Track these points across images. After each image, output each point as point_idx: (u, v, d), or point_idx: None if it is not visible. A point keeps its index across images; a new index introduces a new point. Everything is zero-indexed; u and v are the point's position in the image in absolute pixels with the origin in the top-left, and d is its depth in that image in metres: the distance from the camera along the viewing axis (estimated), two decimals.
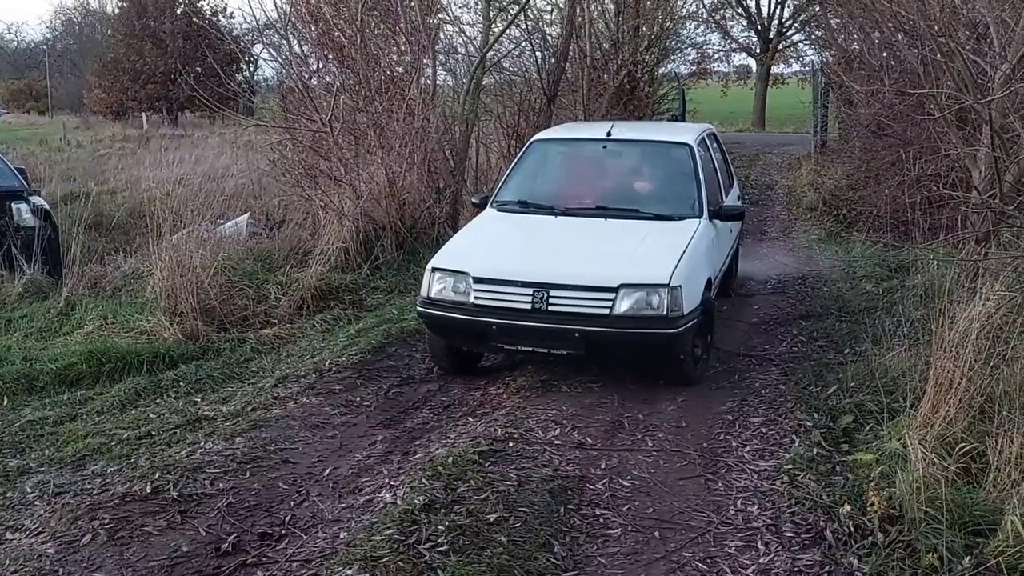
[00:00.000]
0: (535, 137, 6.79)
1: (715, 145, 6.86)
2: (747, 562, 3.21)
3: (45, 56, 51.10)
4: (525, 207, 5.89)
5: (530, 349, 4.98)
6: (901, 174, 8.03)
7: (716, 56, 32.60)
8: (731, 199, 6.65)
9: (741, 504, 3.63)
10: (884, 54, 10.21)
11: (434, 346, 5.40)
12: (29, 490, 3.86)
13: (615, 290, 4.68)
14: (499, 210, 5.96)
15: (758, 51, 31.88)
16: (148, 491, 3.75)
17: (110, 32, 42.38)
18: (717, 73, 33.96)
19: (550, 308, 4.74)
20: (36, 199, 9.13)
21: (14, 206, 8.68)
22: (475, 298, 4.92)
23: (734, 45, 32.59)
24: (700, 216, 5.52)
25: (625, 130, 6.82)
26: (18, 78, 53.28)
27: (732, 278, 7.15)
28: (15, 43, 59.70)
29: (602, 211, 5.65)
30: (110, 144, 26.62)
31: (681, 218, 5.50)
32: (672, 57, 22.36)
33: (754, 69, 33.97)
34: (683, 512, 3.59)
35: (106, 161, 20.48)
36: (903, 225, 8.20)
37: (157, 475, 3.88)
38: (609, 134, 6.25)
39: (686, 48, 26.05)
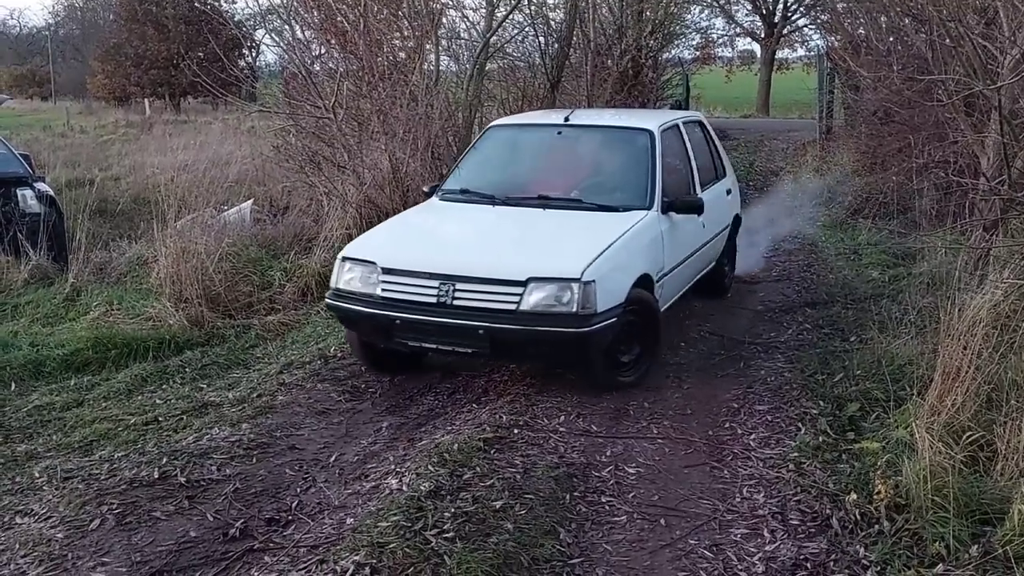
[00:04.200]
0: (493, 123, 6.52)
1: (699, 134, 6.49)
2: (753, 550, 3.21)
3: (48, 42, 50.95)
4: (468, 196, 5.56)
5: (434, 347, 4.69)
6: (908, 161, 7.98)
7: (720, 41, 32.51)
8: (714, 191, 6.24)
9: (747, 492, 3.63)
10: (891, 39, 10.15)
11: (351, 341, 5.19)
12: (37, 475, 3.88)
13: (523, 284, 4.38)
14: (442, 199, 5.69)
15: (763, 36, 31.74)
16: (156, 477, 3.76)
17: (112, 17, 42.24)
18: (721, 58, 33.85)
19: (455, 302, 4.46)
20: (41, 185, 9.13)
21: (19, 192, 8.68)
22: (382, 290, 4.66)
23: (738, 30, 32.48)
24: (650, 208, 5.13)
25: (587, 116, 6.50)
26: (21, 64, 53.15)
27: (726, 275, 6.83)
28: (18, 29, 59.53)
29: (543, 201, 5.27)
30: (113, 130, 26.60)
31: (627, 209, 5.10)
32: (676, 42, 22.24)
33: (758, 54, 33.82)
34: (688, 500, 3.60)
35: (109, 147, 20.50)
36: (910, 212, 8.18)
37: (164, 461, 3.90)
38: (567, 120, 5.89)
39: (690, 33, 25.93)
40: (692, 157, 5.96)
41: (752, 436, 4.17)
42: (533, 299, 4.36)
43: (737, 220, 6.96)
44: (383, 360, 5.11)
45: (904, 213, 8.30)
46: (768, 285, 7.14)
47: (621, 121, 6.34)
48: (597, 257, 4.49)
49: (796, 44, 32.35)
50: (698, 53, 28.77)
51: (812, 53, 26.74)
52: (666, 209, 5.22)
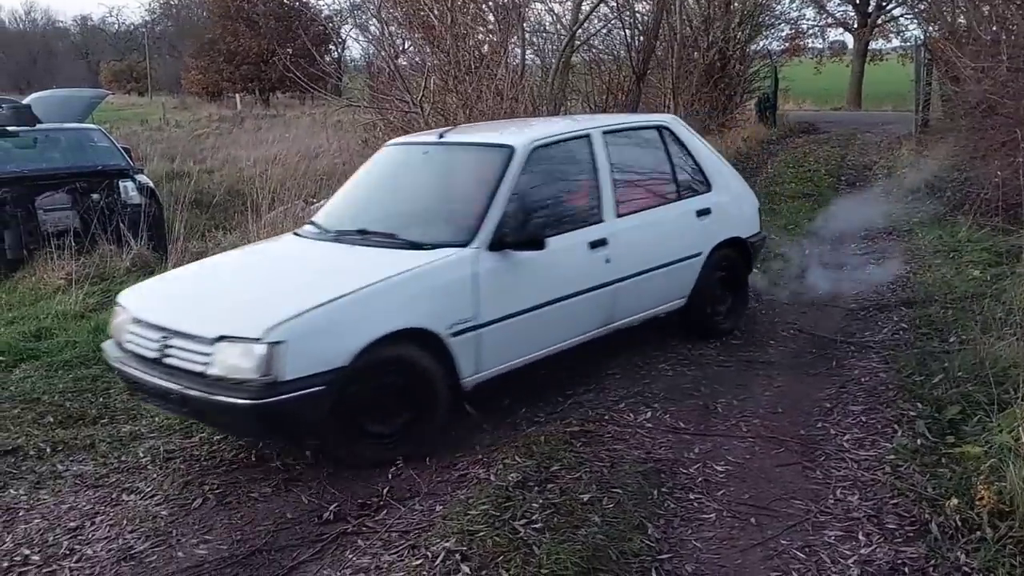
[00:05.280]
0: (388, 142, 5.70)
1: (653, 145, 5.45)
2: (848, 552, 3.13)
3: (145, 38, 53.10)
4: (307, 230, 4.92)
5: (158, 408, 4.19)
6: (1014, 155, 7.63)
7: (810, 32, 31.66)
8: (657, 215, 5.18)
9: (841, 493, 3.54)
10: (995, 28, 9.73)
11: None
12: (142, 455, 4.08)
13: (213, 342, 3.64)
14: (293, 233, 5.10)
15: (855, 26, 30.79)
16: (253, 459, 3.92)
17: (206, 14, 43.74)
18: (811, 49, 32.96)
19: (166, 360, 3.82)
20: (141, 177, 9.53)
21: (121, 184, 9.09)
22: (127, 341, 4.11)
23: (830, 20, 31.56)
24: (467, 244, 4.21)
25: (467, 132, 5.55)
26: (119, 60, 55.59)
27: (717, 314, 5.63)
28: (116, 26, 62.36)
29: (361, 236, 4.54)
30: (207, 124, 27.54)
31: (436, 246, 4.21)
32: (764, 33, 21.81)
33: (851, 45, 32.81)
34: (780, 499, 3.53)
35: (204, 140, 21.24)
36: (1014, 208, 7.83)
37: (260, 444, 4.04)
38: (442, 136, 5.14)
39: (779, 24, 25.34)
40: (604, 176, 4.92)
41: (846, 437, 4.06)
42: (220, 361, 3.61)
43: (738, 246, 5.70)
44: None
45: (1008, 210, 7.93)
46: (862, 283, 6.91)
47: (489, 137, 5.20)
48: (302, 313, 3.65)
49: (891, 34, 31.26)
50: (787, 44, 28.07)
51: (908, 44, 25.80)
52: (498, 245, 4.26)
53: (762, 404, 4.51)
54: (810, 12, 30.82)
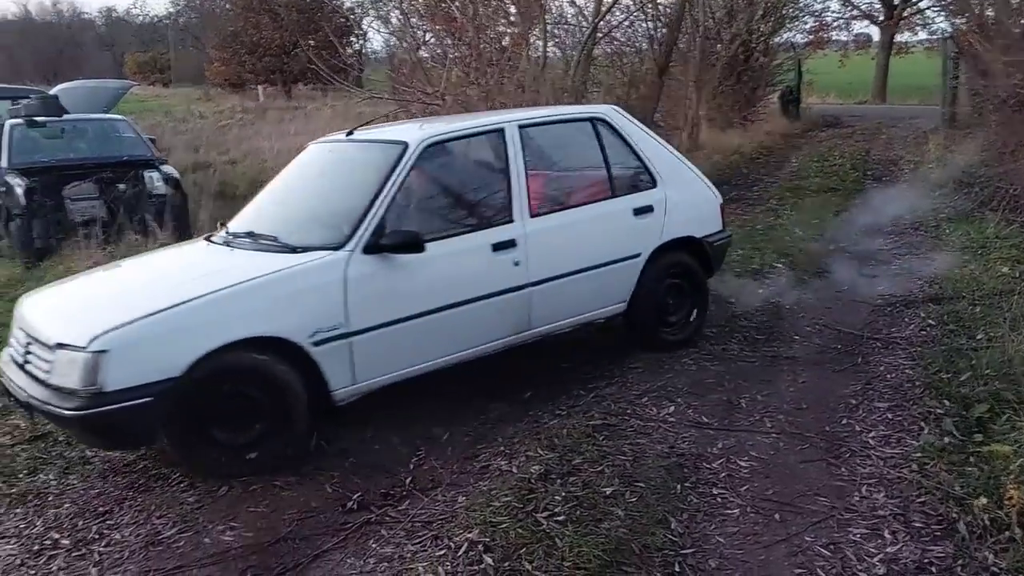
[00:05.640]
0: (312, 141, 5.40)
1: (582, 139, 5.07)
2: (873, 550, 3.11)
3: (168, 30, 53.43)
4: (223, 234, 4.64)
5: (24, 415, 4.01)
6: None
7: (835, 24, 31.38)
8: (581, 215, 4.82)
9: (866, 491, 3.51)
10: None
11: None
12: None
13: (54, 349, 3.53)
14: (205, 237, 4.85)
15: (881, 18, 30.46)
16: None
17: (229, 6, 43.89)
18: (836, 42, 32.64)
19: (26, 365, 3.75)
20: (166, 168, 9.60)
21: (146, 174, 9.16)
22: (8, 345, 4.03)
23: (855, 12, 31.24)
24: (340, 247, 3.95)
25: (380, 129, 5.26)
26: (144, 51, 55.95)
27: (666, 324, 5.26)
28: (141, 18, 62.98)
29: (249, 239, 4.34)
30: (230, 115, 27.63)
31: (307, 249, 3.98)
32: (788, 26, 21.64)
33: (876, 37, 32.46)
34: (804, 496, 3.50)
35: (227, 131, 21.32)
36: None
37: None
38: (350, 133, 4.91)
39: (803, 16, 25.13)
40: (517, 173, 4.58)
41: (871, 434, 4.03)
42: (56, 369, 3.51)
43: (693, 247, 5.32)
44: None
45: None
46: (888, 278, 6.85)
47: (389, 133, 4.89)
48: (131, 321, 3.49)
49: (917, 27, 30.91)
50: (811, 37, 27.83)
51: (935, 36, 25.52)
52: (375, 248, 3.99)
53: (786, 400, 4.48)
54: (835, 4, 30.81)
